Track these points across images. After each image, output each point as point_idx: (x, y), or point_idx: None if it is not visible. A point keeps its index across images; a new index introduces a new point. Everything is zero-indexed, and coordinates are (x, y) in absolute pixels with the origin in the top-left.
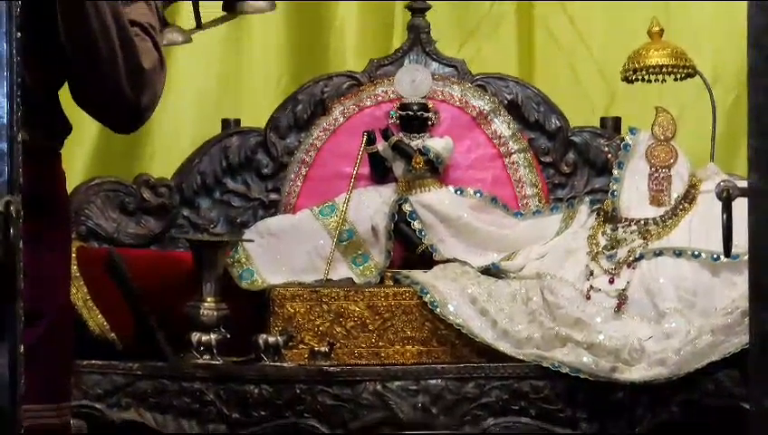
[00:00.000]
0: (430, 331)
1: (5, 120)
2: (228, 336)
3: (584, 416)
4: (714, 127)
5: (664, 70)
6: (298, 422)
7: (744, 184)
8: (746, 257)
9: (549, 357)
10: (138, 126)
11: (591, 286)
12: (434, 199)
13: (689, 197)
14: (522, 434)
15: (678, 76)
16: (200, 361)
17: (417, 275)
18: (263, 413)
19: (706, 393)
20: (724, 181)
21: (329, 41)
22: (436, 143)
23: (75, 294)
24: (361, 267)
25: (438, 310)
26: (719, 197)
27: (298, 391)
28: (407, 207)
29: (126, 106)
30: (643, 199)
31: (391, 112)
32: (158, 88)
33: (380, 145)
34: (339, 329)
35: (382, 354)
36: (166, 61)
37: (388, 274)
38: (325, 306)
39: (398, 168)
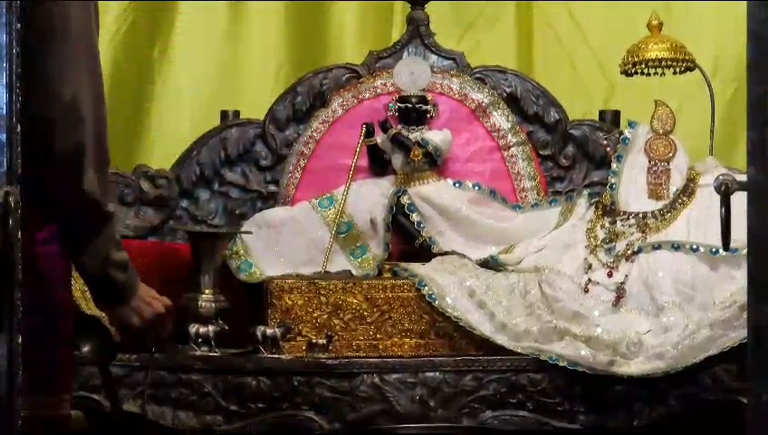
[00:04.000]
0: (428, 323)
1: (5, 111)
2: (226, 328)
3: (582, 409)
4: (713, 120)
5: (663, 63)
6: (295, 414)
7: (742, 177)
8: (745, 251)
9: (547, 350)
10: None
11: (590, 280)
12: (432, 192)
13: (688, 190)
14: (519, 427)
15: (678, 70)
16: (198, 352)
17: (416, 267)
18: (260, 405)
19: (704, 387)
20: (722, 175)
21: (328, 33)
22: (435, 136)
23: (73, 285)
24: (360, 259)
25: (436, 302)
26: (718, 190)
27: (296, 384)
28: (405, 200)
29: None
30: (642, 193)
31: (390, 105)
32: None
33: (379, 137)
34: (337, 321)
35: (380, 347)
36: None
37: (387, 266)
38: (323, 298)
39: (397, 160)
